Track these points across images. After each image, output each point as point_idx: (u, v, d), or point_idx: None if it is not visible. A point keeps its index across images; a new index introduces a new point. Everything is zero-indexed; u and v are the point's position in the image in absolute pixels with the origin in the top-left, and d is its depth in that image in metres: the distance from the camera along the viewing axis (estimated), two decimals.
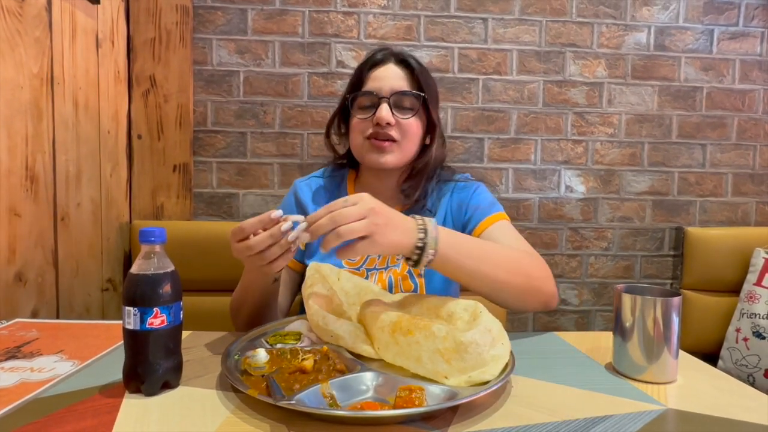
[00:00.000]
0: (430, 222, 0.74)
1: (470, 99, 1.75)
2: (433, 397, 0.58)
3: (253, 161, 1.71)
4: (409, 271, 0.98)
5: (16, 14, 1.08)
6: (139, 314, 0.59)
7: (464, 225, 1.01)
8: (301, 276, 1.05)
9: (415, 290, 0.97)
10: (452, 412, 0.58)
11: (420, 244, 0.71)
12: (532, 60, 1.75)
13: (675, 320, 0.68)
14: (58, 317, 1.24)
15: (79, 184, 1.32)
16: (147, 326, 0.59)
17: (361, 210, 0.66)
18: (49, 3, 1.18)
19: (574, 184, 1.80)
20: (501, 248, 0.86)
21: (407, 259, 0.73)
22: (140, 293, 0.59)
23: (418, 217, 0.74)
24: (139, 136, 1.61)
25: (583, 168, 1.80)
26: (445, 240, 0.74)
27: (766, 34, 1.80)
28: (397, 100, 0.96)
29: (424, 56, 1.72)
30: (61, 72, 1.23)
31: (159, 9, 1.58)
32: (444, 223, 1.02)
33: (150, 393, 0.61)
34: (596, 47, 1.77)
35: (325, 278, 0.83)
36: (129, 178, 1.60)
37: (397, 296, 0.83)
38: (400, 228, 0.70)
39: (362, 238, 0.66)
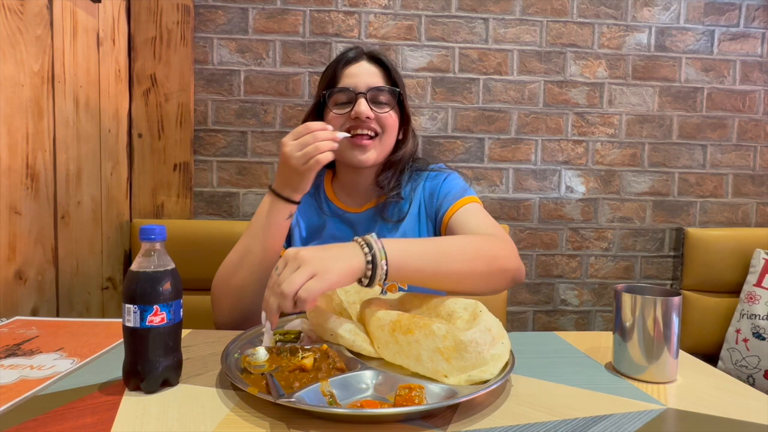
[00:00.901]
0: (371, 236, 0.73)
1: (471, 99, 1.75)
2: (432, 395, 0.58)
3: (253, 160, 1.71)
4: None
5: (17, 12, 1.08)
6: (139, 312, 0.59)
7: (436, 211, 1.02)
8: None
9: (400, 287, 0.98)
10: (452, 411, 0.58)
11: (369, 259, 0.71)
12: (533, 60, 1.75)
13: (675, 320, 0.68)
14: (58, 315, 1.25)
15: (79, 182, 1.32)
16: (147, 324, 0.59)
17: (292, 265, 0.67)
18: (50, 1, 1.18)
19: (575, 185, 1.80)
20: (455, 239, 0.86)
21: (360, 281, 0.72)
22: (140, 290, 0.59)
23: (356, 237, 0.74)
24: (140, 135, 1.61)
25: (584, 168, 1.80)
26: (393, 247, 0.73)
27: (767, 35, 1.80)
28: (373, 96, 0.97)
29: (424, 56, 1.73)
30: (61, 70, 1.23)
31: (160, 8, 1.58)
32: (418, 212, 1.04)
33: (150, 391, 0.61)
34: (597, 47, 1.76)
35: None
36: (129, 177, 1.60)
37: (397, 295, 0.83)
38: (341, 254, 0.70)
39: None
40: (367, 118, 0.95)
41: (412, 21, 1.71)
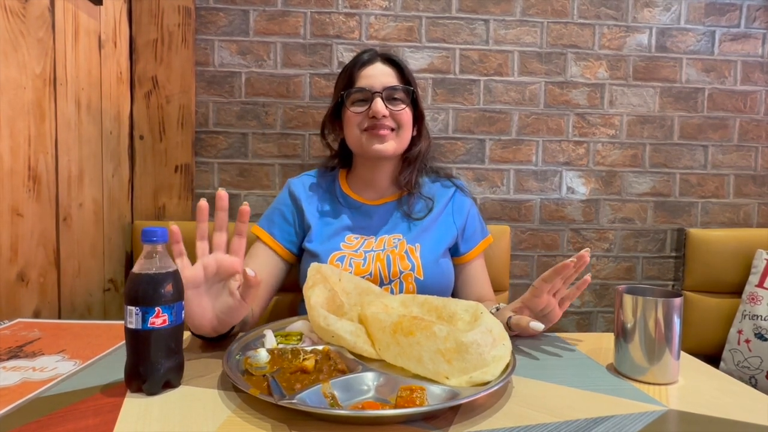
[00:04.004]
0: None
1: (471, 100, 1.75)
2: (434, 397, 0.59)
3: (254, 162, 1.71)
4: (407, 251, 1.04)
5: (19, 15, 1.08)
6: (140, 313, 0.59)
7: (461, 231, 1.13)
8: (287, 264, 1.10)
9: (412, 269, 1.02)
10: (453, 412, 0.58)
11: None
12: (534, 61, 1.75)
13: (676, 321, 0.68)
14: (59, 317, 1.25)
15: (81, 184, 1.33)
16: (149, 325, 0.60)
17: None
18: (52, 4, 1.18)
19: (576, 186, 1.80)
20: None
21: None
22: (142, 292, 0.60)
23: None
24: (141, 137, 1.61)
25: (585, 169, 1.80)
26: None
27: None
28: (388, 95, 1.04)
29: (425, 57, 1.73)
30: (63, 73, 1.24)
31: (161, 10, 1.59)
32: (443, 213, 1.13)
33: (151, 392, 0.61)
34: (598, 48, 1.76)
35: (326, 279, 0.83)
36: (131, 179, 1.60)
37: (398, 297, 0.83)
38: None
39: None
40: (383, 116, 1.02)
41: (413, 22, 1.71)
